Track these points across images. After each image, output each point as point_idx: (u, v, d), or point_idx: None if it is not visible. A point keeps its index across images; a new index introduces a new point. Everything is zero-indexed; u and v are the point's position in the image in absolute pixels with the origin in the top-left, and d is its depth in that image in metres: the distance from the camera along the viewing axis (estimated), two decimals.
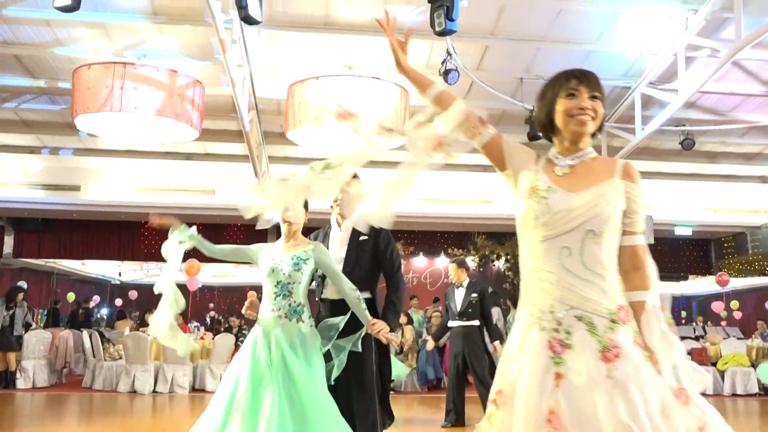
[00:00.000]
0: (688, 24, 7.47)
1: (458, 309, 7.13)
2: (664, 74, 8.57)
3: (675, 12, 7.41)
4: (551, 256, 2.05)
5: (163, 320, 3.58)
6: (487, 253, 14.15)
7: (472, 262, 14.20)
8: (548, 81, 2.23)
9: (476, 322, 7.11)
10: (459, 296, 7.18)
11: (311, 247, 3.63)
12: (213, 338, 10.18)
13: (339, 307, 3.64)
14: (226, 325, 13.04)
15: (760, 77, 8.73)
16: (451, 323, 7.27)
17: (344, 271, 3.65)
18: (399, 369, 9.04)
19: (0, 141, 11.39)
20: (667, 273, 14.77)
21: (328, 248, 3.81)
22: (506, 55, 8.45)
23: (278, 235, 3.79)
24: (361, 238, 3.79)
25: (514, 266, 14.11)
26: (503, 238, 14.19)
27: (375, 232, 3.76)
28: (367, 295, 3.65)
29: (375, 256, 3.79)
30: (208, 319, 18.42)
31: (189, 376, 9.41)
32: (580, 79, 2.13)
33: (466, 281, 7.20)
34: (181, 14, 7.41)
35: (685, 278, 16.19)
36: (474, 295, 7.10)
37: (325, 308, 3.77)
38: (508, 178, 2.27)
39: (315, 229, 4.18)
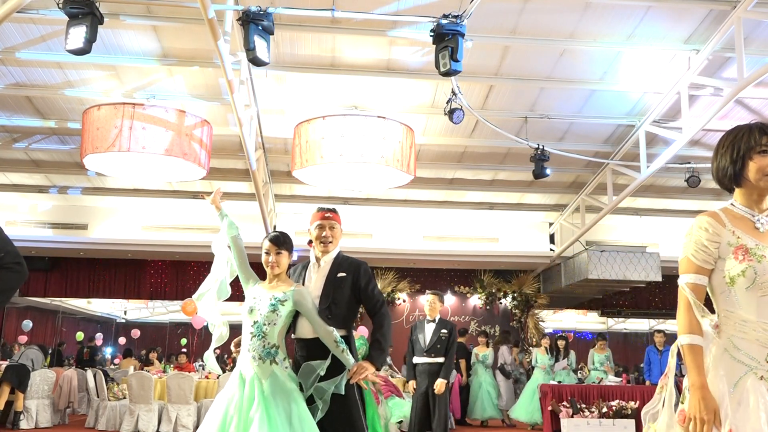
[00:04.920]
0: (691, 63, 7.55)
1: (426, 344, 6.71)
2: (668, 112, 8.64)
3: (677, 52, 7.50)
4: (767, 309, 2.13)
5: (211, 303, 3.85)
6: (493, 290, 14.07)
7: (478, 299, 14.12)
8: (737, 133, 2.28)
9: (443, 359, 6.72)
10: (429, 331, 6.77)
11: (291, 288, 3.59)
12: (218, 377, 10.07)
13: (314, 346, 3.57)
14: (232, 363, 12.93)
15: (764, 115, 8.78)
16: (416, 360, 6.82)
17: (320, 308, 3.59)
18: (406, 410, 8.92)
19: (10, 180, 11.51)
20: (675, 311, 14.64)
21: (304, 282, 3.75)
22: (511, 95, 8.54)
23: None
24: (339, 274, 3.69)
25: (520, 304, 14.01)
26: (510, 275, 14.13)
27: (354, 268, 3.71)
28: (343, 332, 3.57)
29: (354, 294, 3.69)
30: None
31: (193, 416, 9.29)
32: None
33: (437, 317, 6.86)
34: (190, 56, 7.55)
35: None
36: (444, 331, 6.73)
37: (300, 347, 3.68)
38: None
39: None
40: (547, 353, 11.07)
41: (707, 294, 2.28)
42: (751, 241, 2.17)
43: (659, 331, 10.38)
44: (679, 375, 2.31)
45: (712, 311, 2.26)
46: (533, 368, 11.33)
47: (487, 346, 11.68)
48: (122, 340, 19.99)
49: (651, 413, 2.36)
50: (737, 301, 2.17)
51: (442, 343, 6.73)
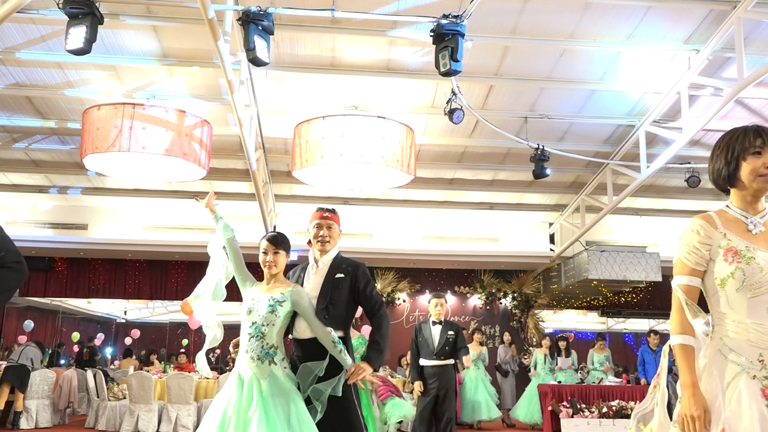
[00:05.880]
0: (691, 63, 7.55)
1: (435, 347, 6.75)
2: (668, 112, 8.64)
3: (677, 52, 7.50)
4: (759, 310, 2.17)
5: (206, 304, 3.88)
6: (493, 290, 14.08)
7: (478, 300, 14.12)
8: (733, 135, 2.32)
9: (451, 361, 6.83)
10: (436, 333, 6.80)
11: (289, 289, 3.60)
12: (218, 377, 10.08)
13: (310, 346, 3.58)
14: (233, 364, 12.87)
15: (764, 115, 8.78)
16: (424, 362, 6.84)
17: (318, 308, 3.59)
18: (406, 410, 8.92)
19: (10, 180, 11.51)
20: None
21: (303, 283, 3.76)
22: (511, 95, 8.54)
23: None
24: (338, 275, 3.70)
25: (520, 304, 14.01)
26: (509, 275, 14.13)
27: (352, 269, 3.72)
28: (340, 333, 3.58)
29: (352, 295, 3.70)
30: (213, 358, 18.28)
31: (193, 416, 9.28)
32: (766, 140, 2.27)
33: (443, 318, 6.89)
34: (190, 56, 7.55)
35: None
36: (451, 332, 6.77)
37: (297, 348, 3.68)
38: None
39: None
40: (548, 355, 11.03)
41: (702, 295, 2.31)
42: (742, 243, 2.21)
43: (654, 332, 10.40)
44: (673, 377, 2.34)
45: (707, 312, 2.29)
46: (530, 368, 11.29)
47: (481, 345, 11.40)
48: (128, 341, 20.00)
49: (642, 414, 2.38)
50: (728, 302, 2.21)
51: (450, 345, 6.79)
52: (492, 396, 10.90)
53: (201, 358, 3.87)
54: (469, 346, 11.18)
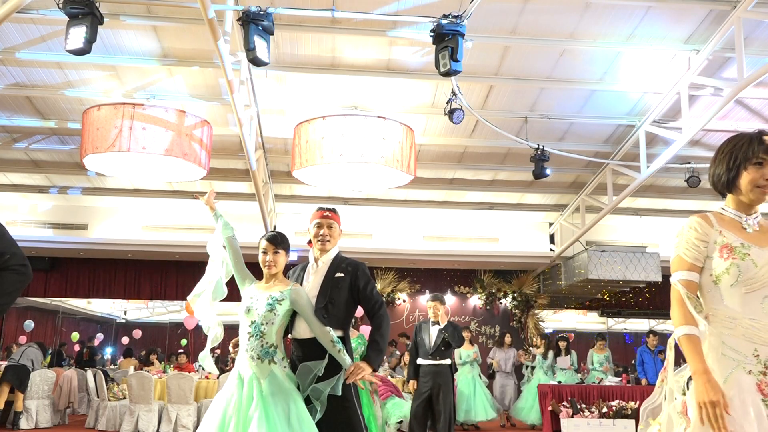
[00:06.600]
0: (691, 63, 7.55)
1: (431, 347, 6.77)
2: (668, 113, 8.64)
3: (677, 52, 7.50)
4: (753, 305, 2.21)
5: (205, 302, 3.88)
6: (493, 290, 14.08)
7: (478, 300, 14.12)
8: (738, 141, 2.34)
9: (448, 361, 6.85)
10: (433, 333, 6.83)
11: (288, 287, 3.59)
12: (218, 377, 10.08)
13: (310, 346, 3.57)
14: (232, 364, 12.85)
15: (764, 115, 8.78)
16: (421, 361, 6.88)
17: (317, 307, 3.58)
18: (406, 410, 8.91)
19: (10, 180, 11.51)
20: None
21: (303, 283, 3.75)
22: (511, 95, 8.54)
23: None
24: (337, 274, 3.69)
25: (521, 304, 14.01)
26: (510, 275, 14.13)
27: (352, 269, 3.72)
28: (339, 333, 3.57)
29: (352, 294, 3.69)
30: (212, 358, 18.24)
31: (193, 416, 9.28)
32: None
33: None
34: (190, 56, 7.55)
35: None
36: (447, 332, 6.79)
37: (297, 348, 3.68)
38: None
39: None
40: (539, 355, 10.99)
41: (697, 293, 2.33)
42: (737, 240, 2.26)
43: (654, 333, 10.40)
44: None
45: None
46: (530, 368, 11.25)
47: (471, 344, 11.02)
48: (125, 340, 20.00)
49: (651, 408, 2.40)
50: (723, 298, 2.25)
51: (446, 345, 6.81)
52: (488, 397, 10.82)
53: (206, 356, 3.87)
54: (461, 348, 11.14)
